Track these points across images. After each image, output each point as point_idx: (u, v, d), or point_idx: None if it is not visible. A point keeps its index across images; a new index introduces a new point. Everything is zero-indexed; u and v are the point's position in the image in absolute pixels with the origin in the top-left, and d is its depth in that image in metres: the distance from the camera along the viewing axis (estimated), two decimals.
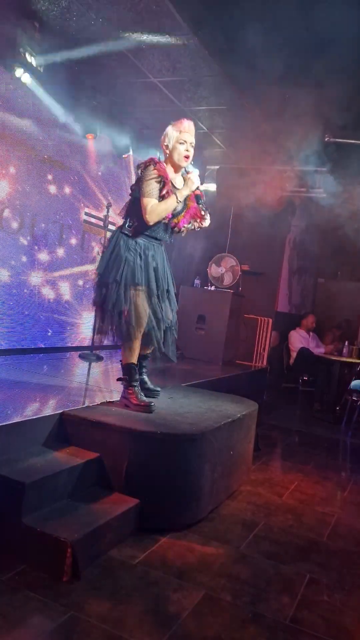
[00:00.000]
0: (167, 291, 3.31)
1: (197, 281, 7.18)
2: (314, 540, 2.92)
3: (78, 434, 2.93)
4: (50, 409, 3.08)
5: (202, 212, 3.26)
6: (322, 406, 6.91)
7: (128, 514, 2.62)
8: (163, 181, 3.04)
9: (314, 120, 5.18)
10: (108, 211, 5.49)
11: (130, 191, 3.25)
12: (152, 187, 3.01)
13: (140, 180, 3.07)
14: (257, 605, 2.19)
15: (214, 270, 7.20)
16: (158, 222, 3.10)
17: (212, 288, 7.02)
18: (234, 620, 2.07)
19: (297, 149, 6.00)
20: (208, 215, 3.32)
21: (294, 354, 7.64)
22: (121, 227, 3.18)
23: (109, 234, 5.27)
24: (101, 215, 5.90)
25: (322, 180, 6.64)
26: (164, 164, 3.15)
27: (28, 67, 4.48)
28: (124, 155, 3.19)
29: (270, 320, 7.23)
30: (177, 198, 3.08)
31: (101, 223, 5.76)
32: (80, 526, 2.34)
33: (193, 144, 3.19)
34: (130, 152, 6.39)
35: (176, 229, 3.27)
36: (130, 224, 3.13)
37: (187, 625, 2.00)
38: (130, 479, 2.77)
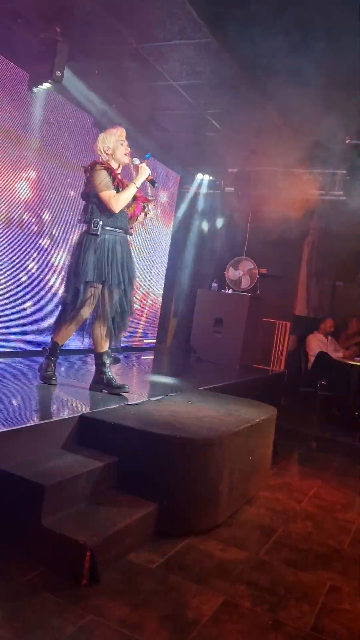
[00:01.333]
0: (128, 281, 3.54)
1: (214, 284, 7.16)
2: (334, 548, 2.88)
3: (97, 437, 2.93)
4: (69, 411, 3.09)
5: (150, 197, 3.65)
6: (341, 411, 6.83)
7: (146, 518, 2.62)
8: (111, 174, 3.37)
9: (334, 122, 5.14)
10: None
11: (82, 199, 3.52)
12: (105, 180, 3.34)
13: (90, 180, 3.39)
14: (277, 613, 2.17)
15: (231, 273, 7.18)
16: (121, 211, 3.42)
17: (230, 291, 7.00)
18: (253, 628, 2.05)
19: (316, 151, 5.96)
20: (150, 204, 3.70)
21: (311, 358, 7.56)
22: (87, 230, 3.44)
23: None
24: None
25: (342, 182, 6.59)
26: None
27: (50, 73, 4.51)
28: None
29: (288, 324, 7.18)
30: (135, 185, 3.45)
31: None
32: (99, 530, 2.34)
33: (128, 145, 3.56)
34: (149, 156, 6.40)
35: (133, 218, 3.62)
36: (95, 224, 3.39)
37: (207, 631, 1.98)
38: (148, 483, 2.76)
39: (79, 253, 3.42)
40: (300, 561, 2.65)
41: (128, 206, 3.50)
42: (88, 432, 2.96)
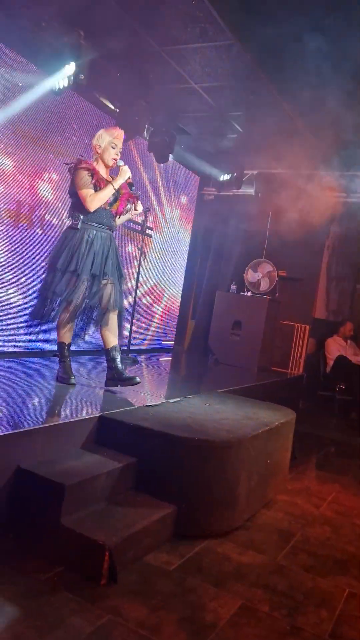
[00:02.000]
0: (104, 277, 3.54)
1: (233, 286, 7.15)
2: (353, 554, 2.85)
3: (115, 438, 2.95)
4: (88, 411, 3.11)
5: (135, 195, 3.69)
6: None
7: (164, 519, 2.62)
8: (92, 173, 3.43)
9: (356, 124, 5.10)
10: (146, 216, 5.53)
11: (69, 196, 3.60)
12: (84, 179, 3.41)
13: (73, 178, 3.48)
14: (295, 618, 2.15)
15: (250, 275, 7.16)
16: (98, 209, 3.47)
17: (249, 294, 6.98)
18: (271, 632, 2.04)
19: (337, 153, 5.92)
20: (139, 202, 3.76)
21: (330, 362, 7.50)
22: (70, 225, 3.53)
23: (146, 239, 5.33)
24: (139, 220, 5.94)
25: None
26: (93, 162, 3.54)
27: (72, 75, 4.56)
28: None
29: (307, 327, 7.13)
30: (113, 186, 3.50)
31: (139, 228, 5.80)
32: (117, 530, 2.35)
33: (121, 150, 3.61)
34: (170, 158, 6.42)
35: (117, 215, 3.67)
36: (76, 219, 3.49)
37: (224, 635, 1.98)
38: (167, 484, 2.77)
39: (56, 245, 3.52)
40: (318, 567, 2.63)
41: (112, 203, 3.56)
42: (107, 432, 2.97)
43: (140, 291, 6.02)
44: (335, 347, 7.58)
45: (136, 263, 5.66)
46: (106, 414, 3.03)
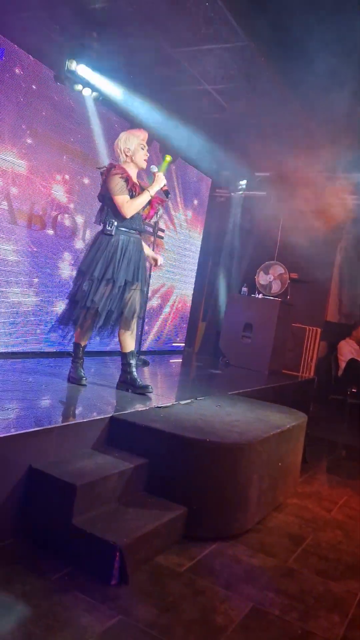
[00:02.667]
0: (135, 283, 3.54)
1: (244, 289, 7.13)
2: None
3: (127, 439, 2.95)
4: (99, 412, 3.11)
5: (165, 200, 3.72)
6: None
7: (175, 521, 2.62)
8: (126, 178, 3.40)
9: None
10: (158, 218, 5.53)
11: (99, 200, 3.56)
12: (120, 185, 3.38)
13: (106, 183, 3.43)
14: (306, 622, 2.14)
15: (262, 277, 7.15)
16: (133, 215, 3.45)
17: (260, 296, 6.96)
18: (282, 636, 2.02)
19: (351, 155, 5.89)
20: (160, 257, 3.87)
21: (342, 365, 7.45)
22: (102, 230, 3.49)
23: (158, 240, 5.35)
24: (151, 222, 5.95)
25: None
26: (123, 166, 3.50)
27: (85, 78, 4.59)
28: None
29: (319, 330, 7.10)
30: (149, 193, 3.47)
31: (150, 229, 5.81)
32: (128, 531, 2.35)
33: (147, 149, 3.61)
34: (181, 160, 6.43)
35: (147, 219, 3.70)
36: (110, 224, 3.44)
37: (235, 638, 1.97)
38: (177, 486, 2.76)
39: (91, 252, 3.48)
40: (330, 570, 2.62)
41: (142, 208, 3.55)
42: (118, 433, 2.98)
43: (150, 293, 6.03)
44: (348, 350, 7.53)
45: (148, 264, 5.66)
46: (117, 414, 3.03)
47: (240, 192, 7.64)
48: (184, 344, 7.54)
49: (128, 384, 3.69)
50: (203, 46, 4.43)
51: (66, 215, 5.06)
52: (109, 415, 3.01)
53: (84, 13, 4.21)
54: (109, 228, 3.44)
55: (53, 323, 3.77)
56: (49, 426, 2.63)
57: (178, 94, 5.41)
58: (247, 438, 2.91)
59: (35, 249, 4.75)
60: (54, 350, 5.06)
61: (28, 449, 2.49)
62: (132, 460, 2.79)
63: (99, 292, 3.40)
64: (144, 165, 3.55)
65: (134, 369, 3.72)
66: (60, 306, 5.07)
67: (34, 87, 4.53)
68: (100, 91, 4.94)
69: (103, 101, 5.14)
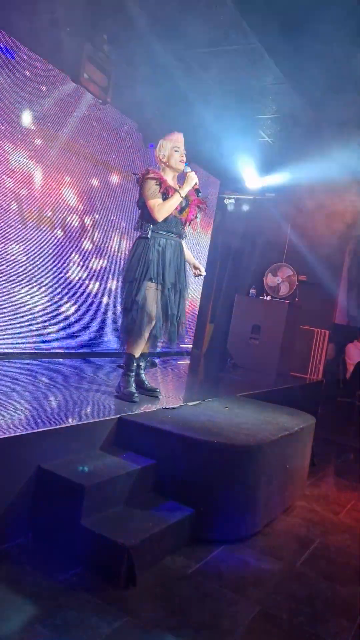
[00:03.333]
0: (178, 286, 3.52)
1: (252, 290, 7.12)
2: None
3: (135, 440, 2.95)
4: (107, 413, 3.12)
5: (204, 201, 3.65)
6: None
7: (183, 523, 2.61)
8: (160, 182, 3.40)
9: None
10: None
11: (138, 207, 3.56)
12: (152, 189, 3.38)
13: (141, 189, 3.45)
14: (314, 626, 2.13)
15: (270, 279, 7.13)
16: (167, 218, 3.42)
17: (268, 298, 6.95)
18: None
19: (359, 157, 5.87)
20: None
21: (350, 368, 7.44)
22: (140, 235, 3.50)
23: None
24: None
25: None
26: (160, 172, 3.50)
27: (94, 78, 4.60)
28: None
29: (327, 332, 7.07)
30: (179, 194, 3.43)
31: None
32: (136, 532, 2.35)
33: (184, 151, 3.56)
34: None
35: (187, 222, 3.62)
36: (146, 228, 3.44)
37: None
38: (185, 487, 2.76)
39: (130, 257, 3.47)
40: (338, 574, 2.60)
41: (182, 211, 3.52)
42: (126, 434, 2.98)
43: None
44: (356, 353, 7.51)
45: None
46: (125, 415, 3.03)
47: (249, 194, 7.63)
48: (191, 346, 7.53)
49: (136, 384, 3.65)
50: (213, 48, 4.43)
51: (75, 217, 5.07)
52: (117, 417, 3.01)
53: (94, 15, 4.23)
54: (145, 231, 3.43)
55: (118, 337, 3.63)
56: (58, 426, 2.64)
57: (187, 95, 5.41)
58: (255, 440, 2.90)
59: (44, 250, 4.77)
60: (63, 351, 5.08)
61: (37, 449, 2.49)
62: (140, 461, 2.79)
63: (140, 292, 3.34)
64: (181, 167, 3.52)
65: (142, 372, 3.74)
66: (69, 307, 5.09)
67: (44, 88, 4.55)
68: (110, 92, 4.95)
69: (112, 102, 5.14)
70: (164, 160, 3.51)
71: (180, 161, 3.51)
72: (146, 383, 3.71)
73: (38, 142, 4.56)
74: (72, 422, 2.81)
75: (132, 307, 3.36)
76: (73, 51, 4.48)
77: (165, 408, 3.37)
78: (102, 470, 2.59)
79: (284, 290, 7.03)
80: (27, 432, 2.46)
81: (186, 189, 3.47)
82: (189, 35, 4.25)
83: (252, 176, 7.16)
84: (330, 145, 5.64)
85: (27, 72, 4.38)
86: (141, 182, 3.44)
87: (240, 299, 6.99)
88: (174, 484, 2.78)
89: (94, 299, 5.43)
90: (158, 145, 3.53)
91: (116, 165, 5.49)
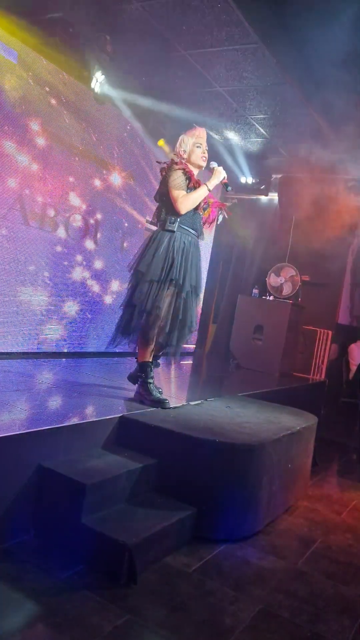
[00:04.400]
0: (196, 288, 3.38)
1: (255, 291, 7.11)
2: None
3: (136, 439, 2.95)
4: (109, 412, 3.12)
5: (226, 204, 3.54)
6: None
7: (184, 521, 2.61)
8: (189, 176, 3.24)
9: None
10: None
11: (156, 200, 3.39)
12: (179, 179, 3.21)
13: (166, 179, 3.25)
14: (315, 625, 2.12)
15: (273, 280, 7.12)
16: (193, 213, 3.29)
17: (271, 298, 6.94)
18: (291, 639, 2.01)
19: None
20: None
21: (353, 368, 7.40)
22: (162, 227, 3.29)
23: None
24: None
25: None
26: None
27: (97, 79, 4.61)
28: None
29: (330, 333, 7.06)
30: (207, 187, 3.29)
31: None
32: (137, 530, 2.35)
33: (206, 147, 3.41)
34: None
35: (207, 223, 3.51)
36: (172, 221, 3.25)
37: (243, 639, 1.96)
38: (187, 486, 2.76)
39: (148, 250, 3.22)
40: (340, 574, 2.59)
41: (204, 209, 3.40)
42: (128, 433, 2.98)
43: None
44: (358, 354, 7.49)
45: None
46: (127, 414, 3.04)
47: (252, 194, 7.62)
48: (194, 346, 7.53)
49: (135, 377, 3.58)
50: (215, 48, 4.43)
51: (78, 217, 5.08)
52: (118, 415, 3.01)
53: (97, 16, 4.24)
54: (171, 224, 3.21)
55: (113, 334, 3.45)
56: (59, 425, 2.64)
57: (189, 96, 5.41)
58: (257, 439, 2.90)
59: (46, 250, 4.78)
60: (66, 351, 5.09)
61: (38, 448, 2.50)
62: (141, 460, 2.79)
63: (161, 297, 3.16)
64: (202, 163, 3.36)
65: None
66: (71, 307, 5.09)
67: (47, 89, 4.56)
68: (113, 93, 4.96)
69: (115, 103, 5.16)
70: (185, 156, 3.32)
71: (202, 158, 3.36)
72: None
73: (41, 142, 4.57)
74: (73, 420, 2.81)
75: (151, 311, 3.15)
76: (76, 52, 4.49)
77: (168, 407, 3.37)
78: (103, 468, 2.60)
79: (286, 290, 7.02)
80: (28, 431, 2.47)
81: (214, 182, 3.34)
82: (191, 34, 4.25)
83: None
84: None
85: (30, 72, 4.39)
86: (167, 172, 3.25)
87: (243, 299, 6.98)
88: (175, 483, 2.78)
89: (97, 299, 5.43)
90: (179, 140, 3.37)
91: (119, 165, 5.50)
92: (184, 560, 2.47)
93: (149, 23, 4.20)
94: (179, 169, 3.23)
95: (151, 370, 3.39)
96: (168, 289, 3.20)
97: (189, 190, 3.23)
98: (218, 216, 3.54)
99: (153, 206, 6.04)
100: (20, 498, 2.39)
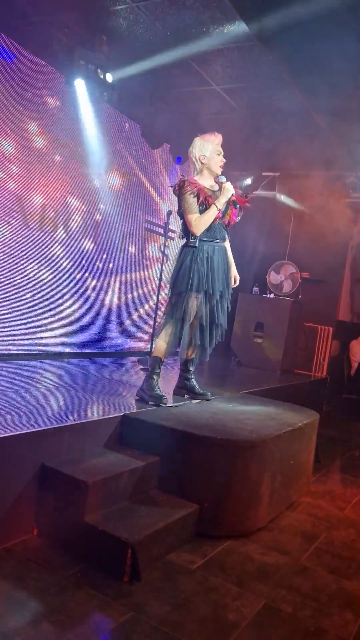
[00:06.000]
0: (224, 294, 3.51)
1: (255, 288, 7.12)
2: None
3: (138, 437, 2.96)
4: (111, 411, 3.13)
5: (243, 206, 3.57)
6: None
7: (187, 518, 2.62)
8: (198, 194, 3.32)
9: None
10: (168, 218, 5.55)
11: (179, 217, 3.50)
12: (190, 202, 3.31)
13: (179, 201, 3.38)
14: (319, 620, 2.13)
15: (273, 277, 7.13)
16: (210, 226, 3.37)
17: (271, 296, 6.94)
18: (295, 633, 2.02)
19: None
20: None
21: (355, 364, 7.41)
22: (186, 243, 3.44)
23: (168, 241, 5.36)
24: (161, 222, 5.97)
25: None
26: (195, 178, 3.42)
27: (94, 80, 4.61)
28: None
29: (331, 329, 7.06)
30: (217, 207, 3.35)
31: (161, 230, 5.83)
32: (140, 528, 2.36)
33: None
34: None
35: (230, 224, 3.55)
36: (194, 237, 3.38)
37: (247, 634, 1.97)
38: (189, 483, 2.77)
39: (177, 265, 3.43)
40: (343, 569, 2.60)
41: (223, 215, 3.44)
42: (130, 431, 2.99)
43: (162, 293, 6.04)
44: (359, 350, 7.49)
45: (159, 265, 5.69)
46: (129, 413, 3.05)
47: (251, 192, 7.61)
48: None
49: (186, 390, 3.72)
50: (211, 46, 4.43)
51: (78, 217, 5.09)
52: (121, 414, 3.02)
53: (92, 16, 4.24)
54: (192, 240, 3.37)
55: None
56: (62, 424, 2.65)
57: (187, 95, 5.42)
58: (258, 435, 2.91)
59: (47, 251, 4.79)
60: (68, 351, 5.10)
61: (41, 447, 2.51)
62: (143, 458, 2.80)
63: (189, 304, 3.33)
64: (219, 171, 3.43)
65: (192, 377, 3.75)
66: (71, 307, 5.10)
67: (45, 90, 4.57)
68: (110, 93, 4.97)
69: (113, 103, 5.16)
70: (204, 161, 3.38)
71: (221, 166, 3.42)
72: (196, 388, 3.74)
73: (39, 144, 4.58)
74: (76, 420, 2.83)
75: (184, 318, 3.34)
76: (73, 53, 4.49)
77: (169, 405, 3.38)
78: (105, 467, 2.61)
79: (287, 287, 7.02)
80: (31, 430, 2.48)
81: (222, 200, 3.37)
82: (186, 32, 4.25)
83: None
84: None
85: (27, 74, 4.40)
86: (178, 196, 3.37)
87: (244, 297, 6.97)
88: (177, 480, 2.79)
89: (98, 299, 5.44)
90: (196, 145, 3.40)
91: (118, 165, 5.51)
92: (187, 557, 2.48)
93: (145, 22, 4.20)
94: (187, 191, 3.31)
95: (159, 367, 3.47)
96: (197, 297, 3.35)
97: (200, 207, 3.33)
98: (239, 214, 3.57)
99: (153, 205, 6.06)
100: (24, 497, 2.40)
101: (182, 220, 3.46)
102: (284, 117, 5.60)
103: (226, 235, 3.55)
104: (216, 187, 3.44)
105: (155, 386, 3.43)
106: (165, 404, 3.34)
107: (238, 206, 3.54)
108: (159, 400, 3.34)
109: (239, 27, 4.06)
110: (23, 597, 1.99)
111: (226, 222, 3.51)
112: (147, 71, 4.88)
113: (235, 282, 3.68)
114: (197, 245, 3.37)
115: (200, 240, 3.38)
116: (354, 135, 5.47)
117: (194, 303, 3.36)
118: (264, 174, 7.28)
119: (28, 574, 2.13)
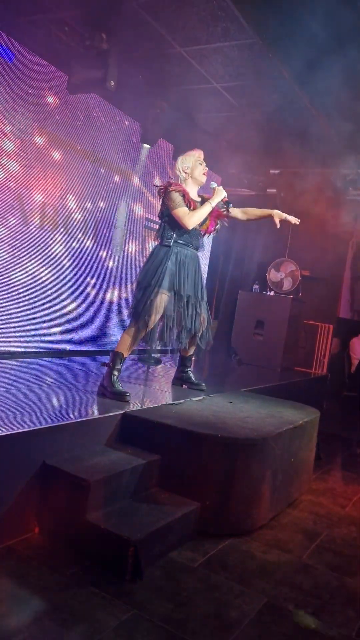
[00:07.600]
0: (198, 297, 3.64)
1: (255, 286, 7.11)
2: None
3: (139, 435, 2.96)
4: (112, 409, 3.12)
5: (225, 211, 3.68)
6: None
7: (188, 516, 2.62)
8: (183, 194, 3.44)
9: None
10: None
11: (159, 218, 3.61)
12: (178, 199, 3.42)
13: (164, 200, 3.49)
14: (320, 617, 2.13)
15: (273, 275, 7.12)
16: (191, 229, 3.47)
17: (271, 293, 6.94)
18: (297, 631, 2.02)
19: None
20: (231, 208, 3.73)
21: (355, 362, 7.42)
22: (161, 243, 3.54)
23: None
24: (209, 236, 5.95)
25: None
26: (182, 184, 3.55)
27: (101, 81, 4.60)
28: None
29: (331, 327, 7.06)
30: (210, 205, 3.50)
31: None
32: (142, 526, 2.36)
33: (206, 166, 3.65)
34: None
35: (206, 234, 3.70)
36: (168, 237, 3.49)
37: (249, 632, 1.97)
38: (190, 481, 2.77)
39: (149, 262, 3.51)
40: (344, 566, 2.60)
41: (202, 223, 3.57)
42: (131, 430, 2.99)
43: None
44: None
45: None
46: (130, 411, 3.04)
47: (250, 190, 7.61)
48: None
49: (184, 381, 4.02)
50: (211, 44, 4.41)
51: (78, 216, 5.08)
52: (121, 412, 3.02)
53: (93, 15, 4.23)
54: (167, 240, 3.48)
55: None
56: (63, 423, 2.65)
57: (187, 93, 5.40)
58: (259, 433, 2.91)
59: (47, 249, 4.78)
60: (68, 349, 5.10)
61: (42, 446, 2.50)
62: (145, 456, 2.80)
63: (153, 301, 3.37)
64: (203, 179, 3.60)
65: (189, 369, 4.04)
66: (70, 305, 5.10)
67: (46, 88, 4.56)
68: (111, 91, 4.94)
69: (113, 101, 5.15)
70: (187, 171, 3.56)
71: (204, 174, 3.60)
72: (193, 379, 4.02)
73: (39, 142, 4.57)
74: (77, 418, 2.82)
75: (141, 312, 3.38)
76: (72, 51, 4.48)
77: (170, 403, 3.38)
78: (107, 465, 2.60)
79: (287, 285, 7.02)
80: (32, 429, 2.48)
81: (216, 200, 3.53)
82: (186, 30, 4.23)
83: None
84: None
85: (27, 72, 4.39)
86: (164, 194, 3.48)
87: (244, 294, 6.97)
88: (179, 479, 2.79)
89: (98, 297, 5.44)
90: (179, 160, 3.61)
91: (118, 164, 5.50)
92: (188, 555, 2.48)
93: (145, 20, 4.18)
94: (174, 190, 3.43)
95: (120, 363, 3.44)
96: (161, 295, 3.40)
97: (186, 207, 3.43)
98: (217, 226, 3.72)
99: (153, 204, 6.05)
100: (25, 495, 2.40)
101: (160, 222, 3.56)
102: (283, 115, 5.60)
103: (201, 244, 3.66)
104: (199, 200, 3.57)
105: (116, 382, 3.38)
106: (128, 401, 3.25)
107: (231, 205, 3.67)
108: (120, 396, 3.29)
109: (239, 24, 4.05)
110: (25, 595, 1.99)
111: (203, 231, 3.63)
112: (147, 69, 4.87)
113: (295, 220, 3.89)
114: (170, 245, 3.47)
115: (176, 242, 3.49)
116: (355, 132, 5.45)
117: (162, 299, 3.41)
118: (268, 172, 7.27)
119: (30, 572, 2.13)
